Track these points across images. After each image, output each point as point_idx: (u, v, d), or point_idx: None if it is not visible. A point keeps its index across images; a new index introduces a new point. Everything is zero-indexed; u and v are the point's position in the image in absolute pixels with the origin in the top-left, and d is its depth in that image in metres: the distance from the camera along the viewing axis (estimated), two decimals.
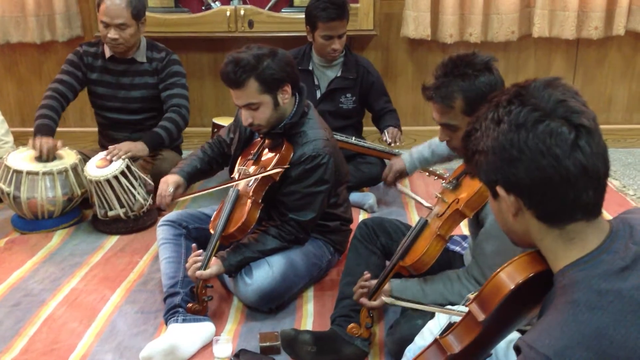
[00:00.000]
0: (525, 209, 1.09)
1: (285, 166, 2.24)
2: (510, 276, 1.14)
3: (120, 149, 2.93)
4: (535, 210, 1.09)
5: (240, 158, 2.44)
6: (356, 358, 2.04)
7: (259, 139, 2.41)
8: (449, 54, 4.00)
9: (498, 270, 1.16)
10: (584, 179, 1.05)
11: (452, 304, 1.90)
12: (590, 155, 1.04)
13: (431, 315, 1.82)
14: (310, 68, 3.34)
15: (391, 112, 3.41)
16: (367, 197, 3.20)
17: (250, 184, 2.28)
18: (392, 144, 3.17)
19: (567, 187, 1.05)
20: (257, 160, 2.34)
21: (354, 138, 3.25)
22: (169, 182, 2.44)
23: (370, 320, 2.02)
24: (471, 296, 1.44)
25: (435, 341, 1.25)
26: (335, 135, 3.19)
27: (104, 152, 2.96)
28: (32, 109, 4.06)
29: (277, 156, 2.27)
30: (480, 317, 1.17)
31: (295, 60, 3.32)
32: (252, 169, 2.33)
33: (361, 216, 3.12)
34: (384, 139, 3.22)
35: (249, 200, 2.23)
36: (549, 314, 1.06)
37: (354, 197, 3.18)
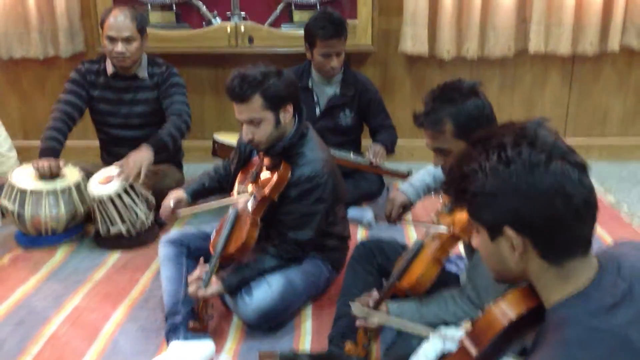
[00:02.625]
0: (531, 248, 1.12)
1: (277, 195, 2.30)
2: (503, 313, 1.17)
3: (130, 168, 2.90)
4: (541, 249, 1.11)
5: (239, 177, 2.49)
6: None
7: (257, 158, 2.46)
8: (447, 69, 4.11)
9: (491, 305, 1.20)
10: (588, 214, 1.10)
11: (448, 324, 1.95)
12: (591, 191, 1.10)
13: (418, 339, 1.87)
14: (310, 85, 3.39)
15: (387, 128, 3.45)
16: (365, 212, 3.25)
17: (249, 204, 2.33)
18: (374, 162, 3.21)
19: (574, 223, 1.09)
20: (255, 179, 2.39)
21: (352, 154, 3.30)
22: (171, 197, 2.52)
23: (367, 339, 2.07)
24: (466, 325, 1.49)
25: None
26: (333, 152, 3.25)
27: (106, 169, 3.01)
28: (35, 124, 4.14)
29: (275, 176, 2.32)
30: (474, 352, 1.20)
31: (295, 76, 3.41)
32: (250, 188, 2.37)
33: (359, 231, 3.17)
34: (367, 156, 3.27)
35: (248, 221, 2.28)
36: (542, 350, 1.10)
37: (352, 212, 3.23)
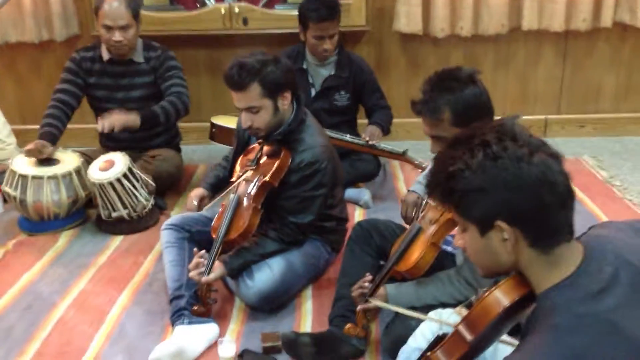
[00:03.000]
0: (521, 238, 1.17)
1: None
2: (497, 301, 1.23)
3: (111, 122, 2.98)
4: (530, 239, 1.16)
5: (239, 163, 2.53)
6: (353, 356, 2.16)
7: (257, 144, 2.50)
8: (441, 47, 4.13)
9: (485, 293, 1.26)
10: (569, 201, 1.17)
11: (445, 305, 2.02)
12: (569, 179, 1.16)
13: (417, 320, 1.93)
14: (305, 67, 3.41)
15: (383, 108, 3.48)
16: (363, 193, 3.31)
17: (250, 191, 2.37)
18: (370, 142, 3.26)
19: (559, 210, 1.16)
20: (256, 166, 2.43)
21: (348, 136, 3.34)
22: (193, 197, 2.62)
23: (366, 320, 2.14)
24: (461, 310, 1.55)
25: (426, 358, 1.36)
26: (330, 134, 3.29)
27: (106, 155, 3.05)
28: (32, 108, 4.17)
29: (276, 163, 2.37)
30: (469, 337, 1.26)
31: (290, 58, 3.43)
32: (251, 174, 2.42)
33: (357, 212, 3.23)
34: (363, 136, 3.31)
35: (250, 207, 2.33)
36: (532, 336, 1.15)
37: (350, 193, 3.29)
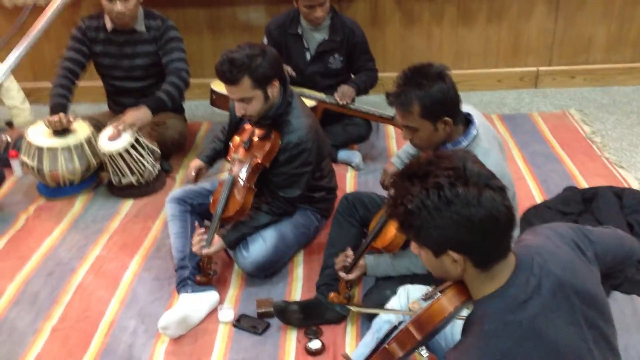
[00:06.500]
0: (468, 261, 1.38)
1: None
2: (442, 308, 1.47)
3: (125, 122, 3.22)
4: (475, 262, 1.38)
5: (232, 142, 2.75)
6: (337, 321, 2.45)
7: (249, 125, 2.70)
8: (436, 2, 4.19)
9: (433, 301, 1.50)
10: (509, 227, 1.38)
11: (417, 276, 2.29)
12: (511, 209, 1.37)
13: (397, 284, 2.21)
14: (300, 32, 3.55)
15: (368, 70, 3.61)
16: (354, 155, 3.52)
17: (243, 171, 2.61)
18: (341, 102, 3.43)
19: (502, 238, 1.38)
20: (249, 147, 2.65)
21: (325, 95, 3.51)
22: (192, 168, 2.84)
23: (348, 290, 2.42)
24: (414, 305, 1.81)
25: (383, 348, 1.62)
26: (323, 100, 3.48)
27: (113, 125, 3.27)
28: (43, 66, 4.38)
29: (267, 145, 2.59)
30: (419, 336, 1.52)
31: (284, 24, 3.57)
32: (244, 155, 2.64)
33: (348, 174, 3.46)
34: (335, 95, 3.48)
35: (244, 187, 2.57)
36: (467, 338, 1.42)
37: (342, 154, 3.52)
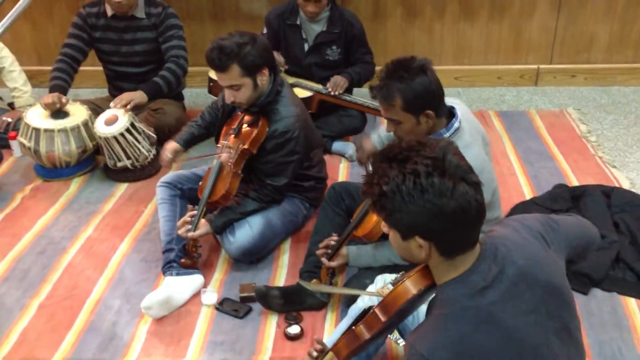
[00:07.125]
0: (434, 248, 1.41)
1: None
2: (406, 290, 1.51)
3: (121, 99, 3.30)
4: (440, 250, 1.41)
5: (223, 130, 2.78)
6: (317, 307, 2.48)
7: (240, 113, 2.74)
8: None
9: (397, 284, 1.54)
10: (479, 221, 1.41)
11: (398, 266, 2.32)
12: (482, 203, 1.40)
13: (378, 274, 2.24)
14: (298, 23, 3.57)
15: (365, 63, 3.63)
16: (348, 146, 3.55)
17: (231, 157, 2.64)
18: (332, 93, 3.46)
19: (470, 229, 1.41)
20: (237, 134, 2.68)
21: (320, 86, 3.53)
22: (167, 149, 2.84)
23: (329, 277, 2.46)
24: (383, 290, 1.84)
25: (351, 330, 1.65)
26: (320, 91, 3.51)
27: (110, 110, 3.32)
28: (47, 49, 4.43)
29: (254, 132, 2.62)
30: (383, 318, 1.56)
31: (283, 14, 3.60)
32: (233, 141, 2.68)
33: (342, 164, 3.49)
34: (327, 85, 3.50)
35: (230, 172, 2.61)
36: (428, 320, 1.45)
37: (337, 146, 3.54)
